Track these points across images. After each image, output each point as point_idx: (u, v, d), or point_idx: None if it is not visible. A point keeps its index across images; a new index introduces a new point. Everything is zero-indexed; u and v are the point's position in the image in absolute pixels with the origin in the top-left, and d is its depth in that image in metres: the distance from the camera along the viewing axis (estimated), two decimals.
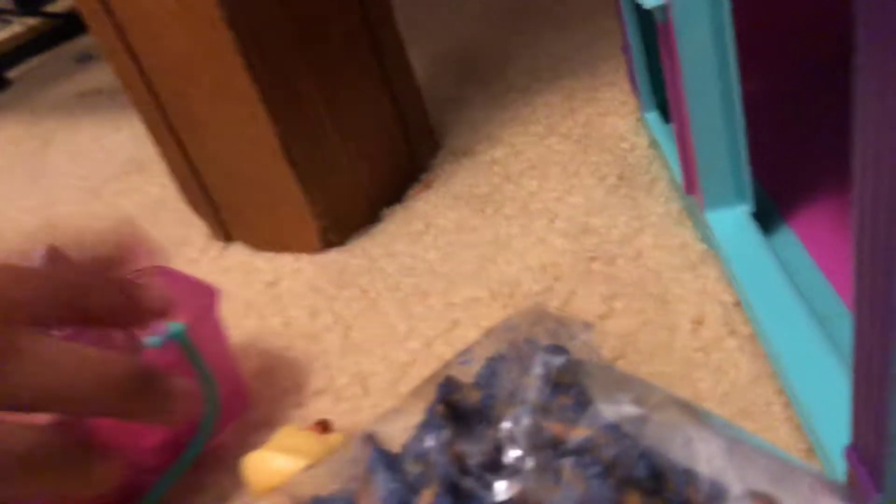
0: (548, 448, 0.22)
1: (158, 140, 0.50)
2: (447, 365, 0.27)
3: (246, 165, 0.46)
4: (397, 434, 0.25)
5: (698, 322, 0.32)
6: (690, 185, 0.36)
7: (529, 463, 0.22)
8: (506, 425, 0.23)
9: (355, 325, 0.39)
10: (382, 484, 0.23)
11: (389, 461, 0.24)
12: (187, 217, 0.53)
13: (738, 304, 0.32)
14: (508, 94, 0.56)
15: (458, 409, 0.25)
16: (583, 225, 0.40)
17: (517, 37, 0.65)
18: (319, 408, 0.34)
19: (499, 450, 0.23)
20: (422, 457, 0.24)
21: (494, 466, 0.22)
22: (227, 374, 0.33)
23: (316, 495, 0.24)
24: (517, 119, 0.52)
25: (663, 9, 0.30)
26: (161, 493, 0.32)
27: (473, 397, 0.25)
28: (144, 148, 0.72)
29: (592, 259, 0.38)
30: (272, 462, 0.29)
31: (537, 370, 0.24)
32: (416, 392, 0.27)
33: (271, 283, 0.45)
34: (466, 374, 0.27)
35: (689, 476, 0.21)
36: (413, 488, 0.23)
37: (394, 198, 0.49)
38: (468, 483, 0.22)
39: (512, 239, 0.41)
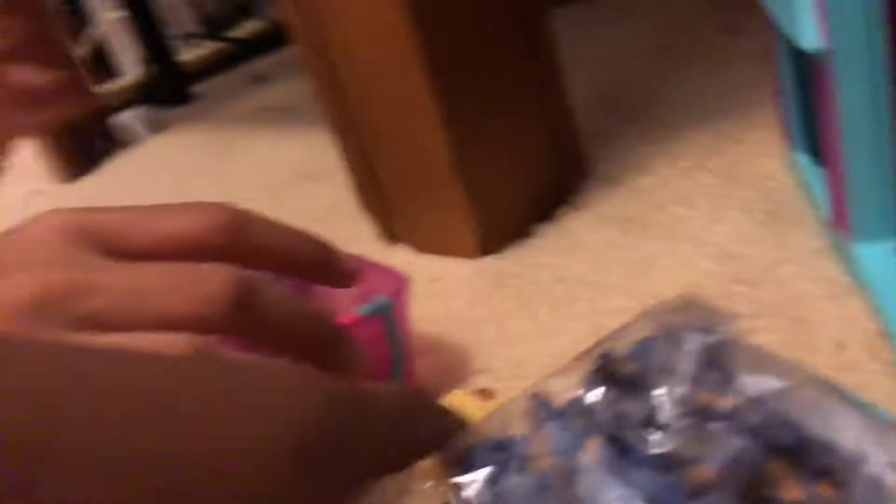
0: (697, 414, 0.25)
1: (343, 145, 0.58)
2: (603, 340, 0.31)
3: (419, 172, 0.52)
4: (559, 393, 0.29)
5: (840, 345, 0.35)
6: (840, 220, 0.38)
7: (681, 425, 0.25)
8: (659, 392, 0.27)
9: (510, 319, 0.44)
10: (552, 432, 0.28)
11: (556, 413, 0.28)
12: (357, 219, 0.60)
13: (882, 333, 0.34)
14: (657, 130, 0.60)
15: (616, 376, 0.28)
16: (728, 251, 0.43)
17: (670, 74, 0.69)
18: (479, 384, 0.39)
19: (652, 414, 0.27)
20: (584, 412, 0.28)
21: (649, 426, 0.26)
22: (407, 356, 0.39)
23: (494, 437, 0.29)
24: (665, 153, 0.56)
25: (822, 51, 0.34)
26: None
27: (629, 367, 0.28)
28: (318, 158, 0.81)
29: (736, 282, 0.41)
30: None
31: (689, 346, 0.27)
32: (574, 360, 0.30)
33: (433, 279, 0.50)
34: (621, 349, 0.29)
35: (829, 447, 0.23)
36: (577, 439, 0.27)
37: (544, 216, 0.54)
38: (628, 436, 0.26)
39: (658, 258, 0.45)
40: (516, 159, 0.53)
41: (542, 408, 0.29)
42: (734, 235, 0.44)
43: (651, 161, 0.56)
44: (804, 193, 0.46)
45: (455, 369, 0.41)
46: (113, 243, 0.27)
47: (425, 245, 0.55)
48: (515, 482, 0.27)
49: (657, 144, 0.58)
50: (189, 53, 1.42)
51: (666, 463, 0.24)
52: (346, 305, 0.38)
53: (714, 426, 0.25)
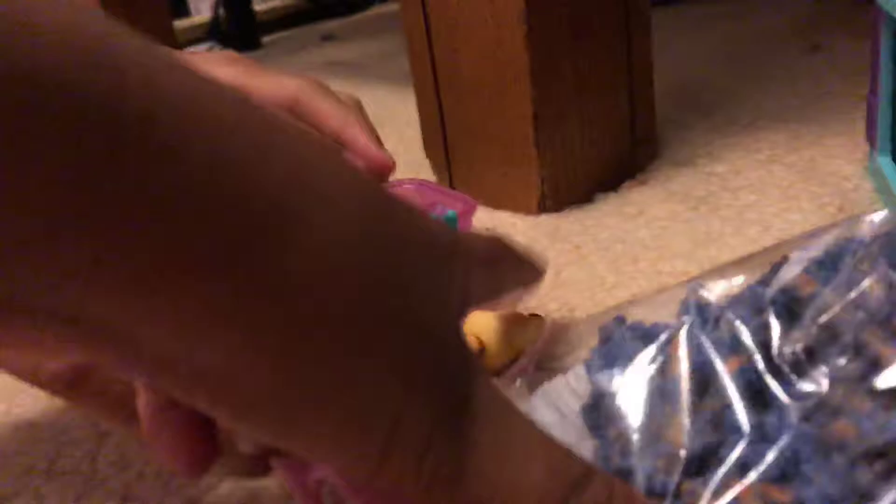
0: (866, 370, 0.21)
1: (419, 89, 0.58)
2: (785, 243, 0.27)
3: (493, 123, 0.52)
4: (716, 296, 0.26)
5: None
6: None
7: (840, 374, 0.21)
8: (828, 324, 0.22)
9: (565, 271, 0.44)
10: (697, 332, 0.25)
11: (707, 317, 0.25)
12: (419, 167, 0.60)
13: None
14: (731, 127, 0.59)
15: (786, 294, 0.24)
16: None
17: (751, 80, 0.68)
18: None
19: (812, 351, 0.22)
20: (734, 325, 0.25)
21: (800, 366, 0.22)
22: None
23: (639, 321, 0.27)
24: (739, 146, 0.56)
25: None
26: None
27: (806, 290, 0.24)
28: (383, 110, 0.82)
29: None
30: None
31: (885, 277, 0.23)
32: (742, 262, 0.28)
33: (489, 229, 0.50)
34: (801, 261, 0.26)
35: None
36: (720, 351, 0.24)
37: (609, 187, 0.54)
38: (773, 367, 0.23)
39: (724, 235, 0.44)
40: (592, 126, 0.53)
41: (694, 306, 0.26)
42: (805, 225, 0.44)
43: (724, 151, 0.55)
44: (882, 198, 0.45)
45: (507, 307, 0.41)
46: None
47: (484, 197, 0.55)
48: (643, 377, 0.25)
49: (733, 137, 0.57)
50: (263, 4, 1.44)
51: (805, 411, 0.22)
52: None
53: (879, 390, 0.21)
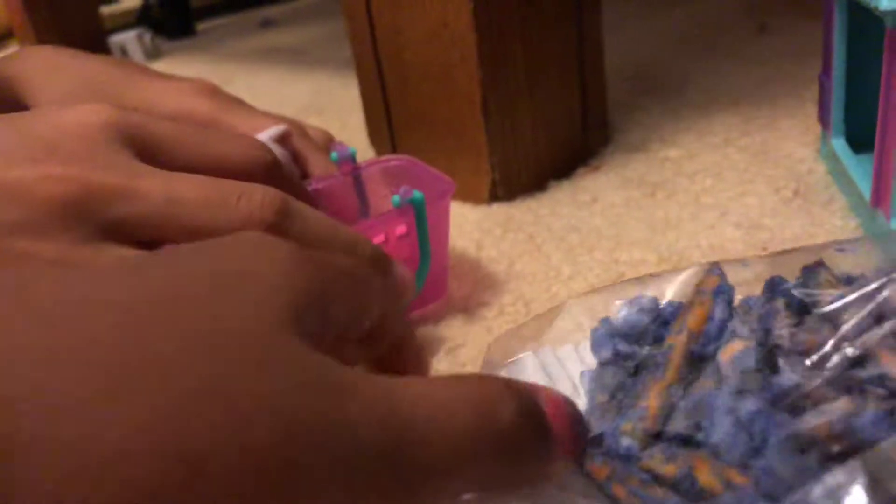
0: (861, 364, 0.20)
1: (361, 73, 0.55)
2: (823, 246, 0.26)
3: (440, 108, 0.50)
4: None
5: None
6: (879, 198, 0.37)
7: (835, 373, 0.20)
8: (845, 333, 0.21)
9: (519, 262, 0.42)
10: (717, 311, 0.24)
11: (730, 297, 0.24)
12: (362, 155, 0.57)
13: None
14: (684, 109, 0.58)
15: (807, 292, 0.23)
16: (755, 222, 0.41)
17: (696, 64, 0.67)
18: (485, 315, 0.37)
19: (825, 356, 0.21)
20: (749, 312, 0.24)
21: (799, 360, 0.21)
22: (437, 262, 0.37)
23: (655, 297, 0.25)
24: (692, 129, 0.54)
25: None
26: None
27: (830, 292, 0.23)
28: (324, 96, 0.78)
29: (764, 249, 0.39)
30: None
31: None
32: (771, 256, 0.26)
33: None
34: (839, 264, 0.25)
35: None
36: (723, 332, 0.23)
37: (562, 174, 0.52)
38: (778, 357, 0.21)
39: (682, 221, 0.43)
40: (543, 110, 0.50)
41: (721, 286, 0.24)
42: (762, 209, 0.43)
43: (678, 135, 0.54)
44: (837, 180, 0.45)
45: (463, 300, 0.38)
46: (157, 152, 0.27)
47: None
48: (647, 355, 0.24)
49: (685, 121, 0.56)
50: None
51: (791, 404, 0.21)
52: (385, 198, 0.38)
53: (873, 387, 0.20)
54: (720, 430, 0.21)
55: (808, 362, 0.21)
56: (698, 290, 0.25)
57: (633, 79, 0.67)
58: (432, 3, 0.47)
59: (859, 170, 0.41)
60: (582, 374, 0.25)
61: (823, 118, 0.47)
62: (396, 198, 0.34)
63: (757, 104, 0.57)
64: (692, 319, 0.24)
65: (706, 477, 0.20)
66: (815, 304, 0.23)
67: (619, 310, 0.25)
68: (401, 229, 0.35)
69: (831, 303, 0.22)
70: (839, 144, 0.45)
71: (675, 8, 0.87)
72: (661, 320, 0.25)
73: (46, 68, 0.43)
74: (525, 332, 0.27)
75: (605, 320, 0.25)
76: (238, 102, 0.42)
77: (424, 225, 0.34)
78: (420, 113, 0.51)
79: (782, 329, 0.22)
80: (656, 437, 0.22)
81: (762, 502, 0.19)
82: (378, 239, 0.35)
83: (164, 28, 1.18)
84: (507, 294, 0.38)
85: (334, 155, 0.39)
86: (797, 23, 0.73)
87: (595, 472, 0.21)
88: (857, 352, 0.21)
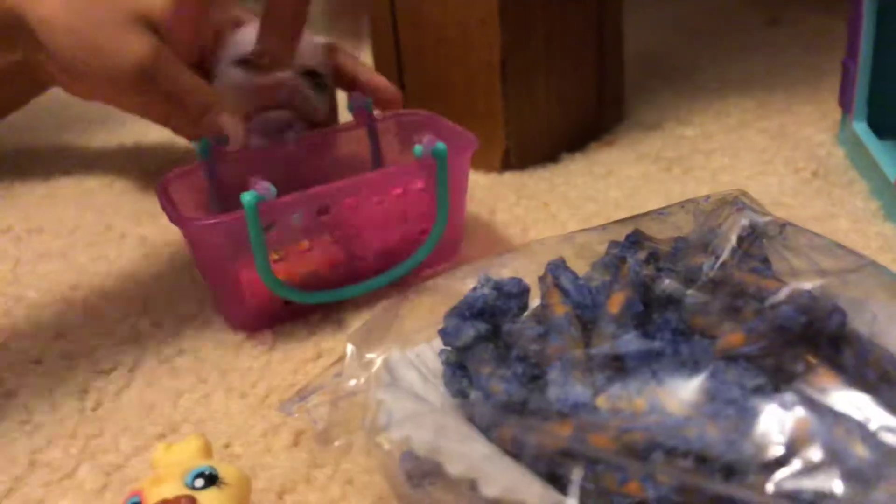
0: (734, 292, 0.23)
1: (376, 36, 0.53)
2: (644, 214, 0.29)
3: (455, 73, 0.48)
4: (585, 246, 0.27)
5: None
6: None
7: (714, 302, 0.23)
8: (694, 266, 0.24)
9: (534, 228, 0.41)
10: (568, 284, 0.24)
11: (570, 269, 0.26)
12: None
13: None
14: (699, 93, 0.58)
15: (649, 250, 0.26)
16: (775, 200, 0.41)
17: (706, 52, 0.67)
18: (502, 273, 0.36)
19: (684, 282, 0.24)
20: (611, 267, 0.26)
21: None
22: (454, 219, 0.36)
23: (497, 279, 0.26)
24: (708, 111, 0.54)
25: None
26: (361, 292, 0.34)
27: (665, 244, 0.27)
28: None
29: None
30: None
31: (737, 224, 0.25)
32: (604, 227, 0.28)
33: None
34: (661, 225, 0.28)
35: (869, 346, 0.21)
36: (597, 294, 0.24)
37: (576, 147, 0.51)
38: (662, 287, 0.23)
39: (699, 195, 0.42)
40: (561, 81, 0.49)
41: (556, 262, 0.26)
42: (781, 187, 0.42)
43: (693, 115, 0.53)
44: (856, 164, 0.44)
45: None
46: None
47: None
48: (521, 326, 0.24)
49: (700, 103, 0.55)
50: None
51: (691, 332, 0.23)
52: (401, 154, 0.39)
53: (751, 304, 0.22)
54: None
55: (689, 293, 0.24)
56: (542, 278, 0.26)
57: (645, 64, 0.66)
58: None
59: (884, 153, 0.41)
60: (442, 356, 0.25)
61: (845, 102, 0.46)
62: (419, 147, 0.33)
63: (771, 90, 0.56)
64: (550, 302, 0.25)
65: (673, 404, 0.21)
66: (656, 253, 0.26)
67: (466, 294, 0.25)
68: (420, 182, 0.34)
69: (677, 248, 0.26)
70: (862, 128, 0.44)
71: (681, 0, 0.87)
72: (506, 295, 0.25)
73: None
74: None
75: (455, 308, 0.25)
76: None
77: (445, 177, 0.33)
78: (435, 77, 0.50)
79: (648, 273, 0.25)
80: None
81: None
82: (397, 189, 0.34)
83: None
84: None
85: (349, 105, 0.38)
86: (808, 16, 0.72)
87: (552, 434, 0.20)
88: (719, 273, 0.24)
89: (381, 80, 0.42)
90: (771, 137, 0.48)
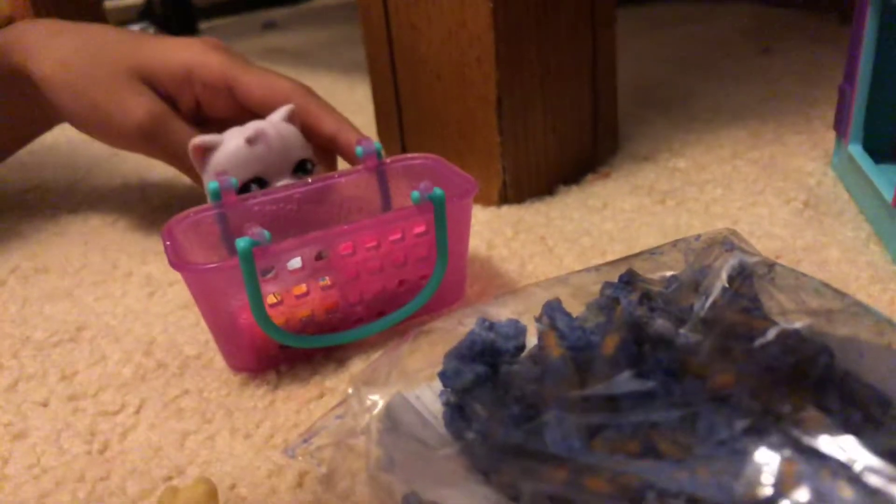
0: (724, 332, 0.24)
1: (374, 72, 0.55)
2: (636, 255, 0.30)
3: (452, 109, 0.50)
4: (579, 287, 0.28)
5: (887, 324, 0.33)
6: None
7: (704, 339, 0.24)
8: (685, 307, 0.25)
9: (531, 263, 0.41)
10: (563, 326, 0.25)
11: (566, 311, 0.26)
12: None
13: None
14: (692, 123, 0.59)
15: (641, 288, 0.27)
16: (767, 231, 0.42)
17: (699, 82, 0.68)
18: (501, 315, 0.36)
19: (677, 324, 0.25)
20: (605, 308, 0.26)
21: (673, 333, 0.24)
22: (457, 262, 0.36)
23: (495, 321, 0.26)
24: (701, 142, 0.55)
25: None
26: (359, 337, 0.34)
27: (658, 284, 0.28)
28: (332, 96, 0.78)
29: (777, 258, 0.39)
30: None
31: (722, 266, 0.27)
32: (598, 268, 0.29)
33: None
34: (653, 265, 0.29)
35: (855, 386, 0.22)
36: (593, 336, 0.25)
37: (571, 180, 0.52)
38: (655, 328, 0.24)
39: (693, 229, 0.43)
40: (556, 115, 0.51)
41: (552, 304, 0.27)
42: (772, 218, 0.43)
43: (686, 147, 0.54)
44: (850, 188, 0.45)
45: (475, 297, 0.38)
46: None
47: None
48: (517, 368, 0.25)
49: (693, 134, 0.56)
50: None
51: (683, 373, 0.23)
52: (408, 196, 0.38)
53: (741, 344, 0.23)
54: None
55: (681, 333, 0.24)
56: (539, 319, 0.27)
57: (639, 94, 0.67)
58: (451, 2, 0.47)
59: (879, 174, 0.42)
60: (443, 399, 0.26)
61: (840, 127, 0.47)
62: (416, 194, 0.33)
63: (763, 120, 0.57)
64: (549, 343, 0.25)
65: (666, 445, 0.21)
66: (649, 293, 0.27)
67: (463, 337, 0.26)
68: (419, 227, 0.35)
69: (669, 287, 0.27)
70: (858, 151, 0.45)
71: (675, 29, 0.88)
72: (504, 336, 0.26)
73: (48, 33, 0.43)
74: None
75: (453, 350, 0.26)
76: (246, 59, 0.44)
77: (444, 223, 0.34)
78: (432, 113, 0.51)
79: (641, 314, 0.26)
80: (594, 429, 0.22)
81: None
82: (394, 235, 0.35)
83: (166, 25, 1.18)
84: None
85: (359, 150, 0.39)
86: (801, 45, 0.74)
87: (548, 477, 0.21)
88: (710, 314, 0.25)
89: (346, 138, 0.41)
90: (762, 168, 0.49)
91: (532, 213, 0.47)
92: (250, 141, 0.38)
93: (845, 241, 0.40)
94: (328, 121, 0.41)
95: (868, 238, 0.40)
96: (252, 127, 0.39)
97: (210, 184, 0.36)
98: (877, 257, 0.38)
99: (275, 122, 0.39)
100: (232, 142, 0.39)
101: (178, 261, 0.32)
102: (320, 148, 0.43)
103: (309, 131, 0.42)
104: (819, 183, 0.47)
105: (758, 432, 0.21)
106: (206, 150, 0.39)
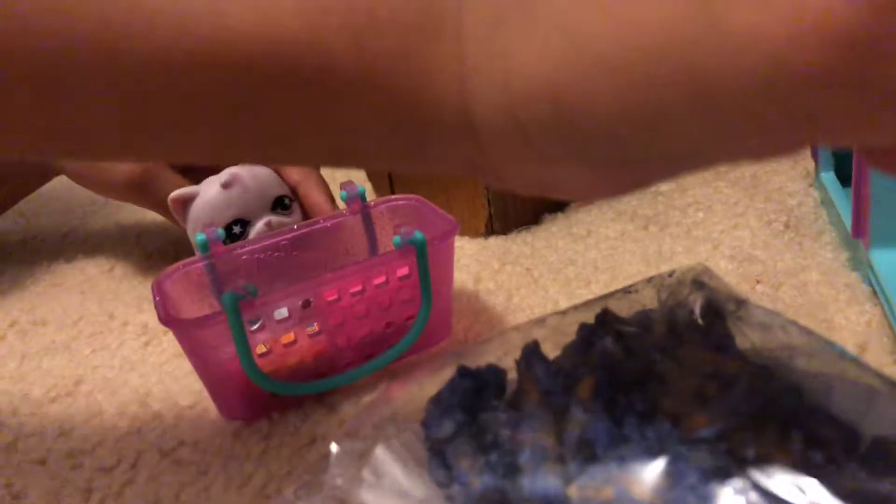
0: (697, 373, 0.25)
1: None
2: (611, 294, 0.30)
3: None
4: (555, 329, 0.29)
5: (862, 348, 0.34)
6: (859, 228, 0.38)
7: (677, 382, 0.24)
8: (658, 346, 0.26)
9: (517, 295, 0.42)
10: (540, 371, 0.26)
11: (543, 356, 0.27)
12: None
13: None
14: None
15: (615, 330, 0.28)
16: (748, 254, 0.42)
17: None
18: (480, 361, 0.37)
19: (649, 367, 0.25)
20: (580, 350, 0.27)
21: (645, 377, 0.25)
22: (442, 302, 0.37)
23: (475, 368, 0.27)
24: None
25: None
26: (347, 382, 0.35)
27: (632, 324, 0.28)
28: None
29: (757, 282, 0.40)
30: None
31: (698, 302, 0.28)
32: (576, 308, 0.30)
33: None
34: (628, 303, 0.30)
35: (825, 419, 0.22)
36: (568, 380, 0.25)
37: (556, 207, 0.53)
38: (628, 370, 0.25)
39: (675, 254, 0.44)
40: None
41: (530, 348, 0.27)
42: (754, 241, 0.44)
43: None
44: (825, 213, 0.46)
45: (463, 332, 0.39)
46: None
47: None
48: (495, 415, 0.25)
49: None
50: None
51: (656, 415, 0.24)
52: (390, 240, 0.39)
53: (712, 384, 0.24)
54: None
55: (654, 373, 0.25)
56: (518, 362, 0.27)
57: None
58: None
59: (845, 202, 0.42)
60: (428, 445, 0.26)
61: (815, 155, 0.48)
62: (397, 238, 0.34)
63: None
64: (526, 389, 0.26)
65: (640, 490, 0.22)
66: (623, 333, 0.28)
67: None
68: (402, 270, 0.36)
69: (642, 326, 0.28)
70: (828, 178, 0.46)
71: None
72: (483, 383, 0.27)
73: None
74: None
75: (434, 398, 0.26)
76: None
77: (426, 266, 0.35)
78: None
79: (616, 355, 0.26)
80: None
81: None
82: (379, 279, 0.35)
83: None
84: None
85: (343, 194, 0.40)
86: None
87: None
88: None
89: (304, 192, 0.43)
90: (744, 188, 0.50)
91: (518, 244, 0.48)
92: (226, 186, 0.40)
93: (824, 263, 0.40)
94: (322, 210, 0.43)
95: (847, 260, 0.40)
96: (227, 172, 0.40)
97: (198, 236, 0.37)
98: (854, 280, 0.39)
99: (248, 165, 0.41)
100: (209, 191, 0.40)
101: (167, 316, 0.33)
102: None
103: (309, 210, 0.44)
104: (800, 203, 0.47)
105: (724, 475, 0.21)
106: (186, 202, 0.40)
